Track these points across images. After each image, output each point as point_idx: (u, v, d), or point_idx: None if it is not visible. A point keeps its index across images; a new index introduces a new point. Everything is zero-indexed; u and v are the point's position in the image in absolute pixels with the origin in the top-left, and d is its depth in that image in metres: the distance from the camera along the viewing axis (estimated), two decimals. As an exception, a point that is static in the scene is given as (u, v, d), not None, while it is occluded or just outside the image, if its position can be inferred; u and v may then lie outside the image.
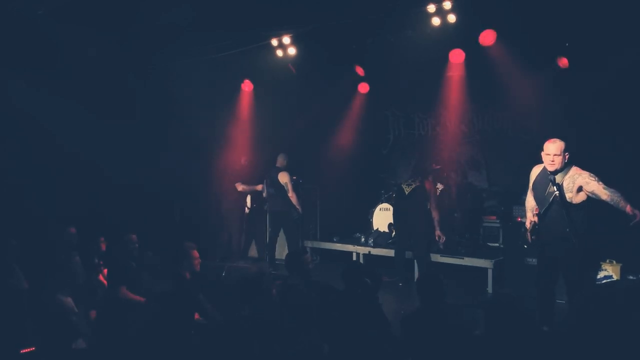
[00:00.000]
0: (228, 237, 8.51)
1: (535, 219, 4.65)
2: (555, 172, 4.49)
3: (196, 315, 4.56)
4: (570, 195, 4.42)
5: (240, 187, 8.46)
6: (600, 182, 4.32)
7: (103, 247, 6.31)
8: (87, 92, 7.59)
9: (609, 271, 6.01)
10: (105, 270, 5.94)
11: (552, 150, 4.48)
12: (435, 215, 6.97)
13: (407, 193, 7.03)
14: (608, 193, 4.25)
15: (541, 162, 4.64)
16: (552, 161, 4.47)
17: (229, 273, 6.27)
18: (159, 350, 3.69)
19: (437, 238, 7.02)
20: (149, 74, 7.99)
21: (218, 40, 7.51)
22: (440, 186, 7.90)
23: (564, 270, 4.54)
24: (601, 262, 5.98)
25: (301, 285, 3.51)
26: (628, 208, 4.18)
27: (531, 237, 4.71)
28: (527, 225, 4.78)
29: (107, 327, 4.05)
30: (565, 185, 4.44)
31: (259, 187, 8.39)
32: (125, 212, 7.54)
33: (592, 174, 4.39)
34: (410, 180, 7.16)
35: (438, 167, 7.81)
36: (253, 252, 8.90)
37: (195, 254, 4.90)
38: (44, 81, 7.30)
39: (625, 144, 6.40)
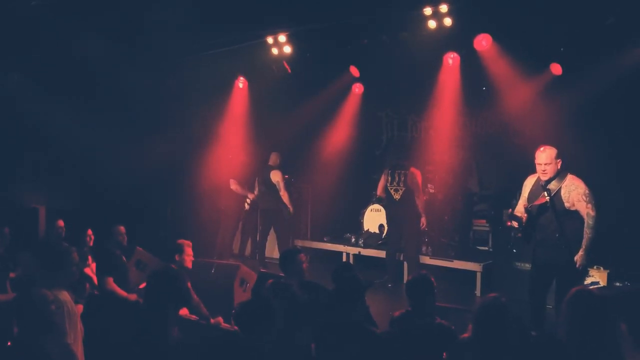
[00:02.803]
0: (223, 234, 8.42)
1: (524, 214, 4.60)
2: (549, 181, 4.47)
3: (185, 311, 4.53)
4: (568, 205, 4.41)
5: (233, 185, 8.17)
6: (590, 208, 4.32)
7: (90, 240, 6.27)
8: (78, 86, 7.54)
9: (596, 277, 6.06)
10: (94, 265, 5.91)
11: (543, 160, 4.45)
12: (419, 202, 6.98)
13: (397, 200, 7.11)
14: (588, 229, 4.32)
15: (534, 171, 4.63)
16: (544, 171, 4.45)
17: (218, 270, 6.22)
18: (142, 344, 3.65)
19: (421, 225, 7.03)
20: (143, 70, 7.93)
21: (213, 37, 7.48)
22: (432, 189, 7.93)
23: (556, 276, 4.55)
24: (588, 268, 6.02)
25: (295, 285, 3.48)
26: (579, 255, 4.32)
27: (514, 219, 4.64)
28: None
29: (94, 321, 4.00)
30: (562, 193, 4.42)
31: (250, 197, 8.19)
32: (116, 206, 7.49)
33: (587, 192, 4.36)
34: (395, 184, 7.15)
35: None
36: (249, 250, 8.85)
37: (189, 251, 4.92)
38: (39, 77, 7.26)
39: (618, 149, 6.45)
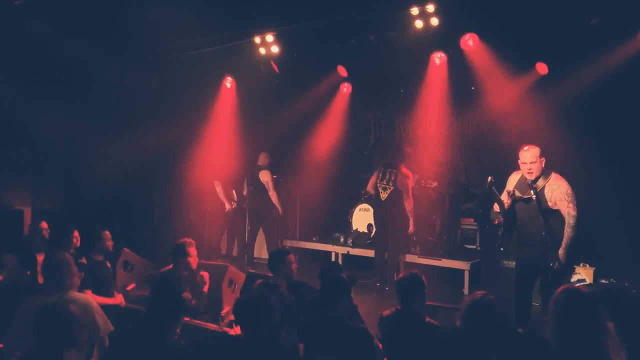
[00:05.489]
0: (209, 235, 8.32)
1: (509, 199, 4.63)
2: (536, 180, 4.49)
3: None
4: (550, 204, 4.44)
5: (218, 187, 8.08)
6: (571, 208, 4.36)
7: (77, 242, 6.18)
8: (62, 86, 7.48)
9: (582, 275, 6.12)
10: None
11: (528, 159, 4.46)
12: (407, 205, 6.83)
13: (383, 199, 6.99)
14: (568, 229, 4.38)
15: (519, 168, 4.65)
16: (530, 170, 4.46)
17: (206, 271, 6.21)
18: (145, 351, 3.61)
19: (409, 229, 6.90)
20: (130, 69, 7.87)
21: (200, 35, 7.45)
22: (435, 184, 7.93)
23: (541, 274, 4.58)
24: (575, 266, 6.08)
25: (283, 285, 3.48)
26: (559, 253, 4.37)
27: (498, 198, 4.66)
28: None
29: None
30: (545, 192, 4.45)
31: (228, 206, 8.13)
32: (102, 207, 7.43)
33: (569, 192, 4.39)
34: (384, 183, 7.04)
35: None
36: (236, 251, 8.80)
37: (193, 251, 4.68)
38: (22, 76, 7.17)
39: (603, 147, 6.52)
